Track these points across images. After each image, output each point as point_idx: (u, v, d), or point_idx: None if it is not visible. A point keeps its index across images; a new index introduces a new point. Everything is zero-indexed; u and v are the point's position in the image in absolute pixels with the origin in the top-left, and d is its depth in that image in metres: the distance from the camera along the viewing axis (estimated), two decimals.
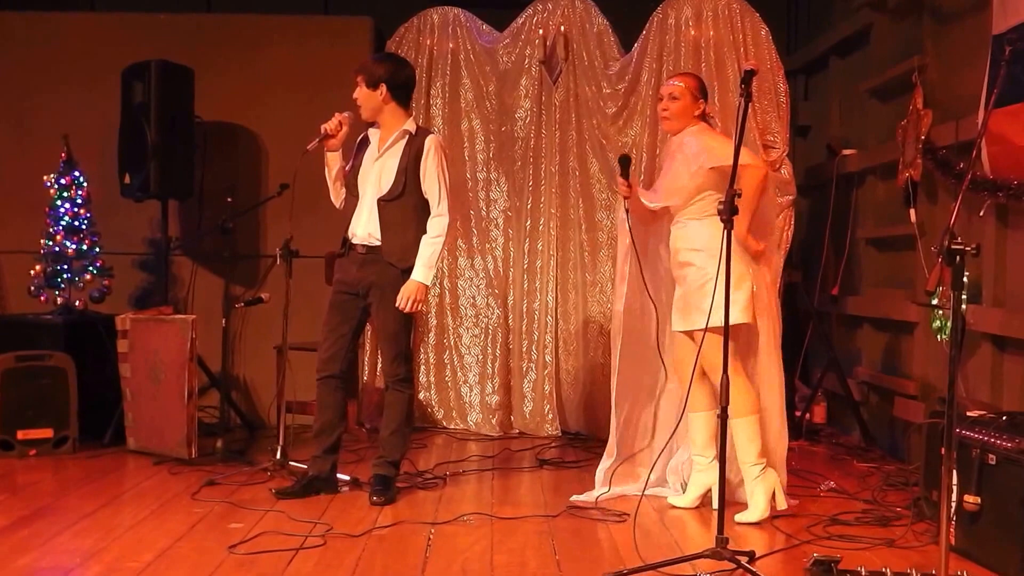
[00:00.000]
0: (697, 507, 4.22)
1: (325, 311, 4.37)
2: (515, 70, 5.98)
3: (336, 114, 4.30)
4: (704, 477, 4.21)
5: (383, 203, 4.25)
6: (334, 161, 4.35)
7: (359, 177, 4.34)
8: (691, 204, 4.11)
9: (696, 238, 4.07)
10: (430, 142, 4.29)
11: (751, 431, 4.03)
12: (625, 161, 4.17)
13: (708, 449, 4.18)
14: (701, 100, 4.20)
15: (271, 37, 6.10)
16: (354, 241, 4.31)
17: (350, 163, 4.40)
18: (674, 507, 4.24)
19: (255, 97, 6.07)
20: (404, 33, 6.05)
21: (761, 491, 4.03)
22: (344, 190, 4.39)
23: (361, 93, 4.29)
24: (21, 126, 6.02)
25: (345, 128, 4.30)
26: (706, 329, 3.78)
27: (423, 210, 4.27)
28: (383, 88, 4.26)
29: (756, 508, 4.02)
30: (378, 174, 4.29)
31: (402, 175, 4.24)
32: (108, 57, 5.84)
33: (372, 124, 4.42)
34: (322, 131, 4.27)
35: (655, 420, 4.53)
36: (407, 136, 4.30)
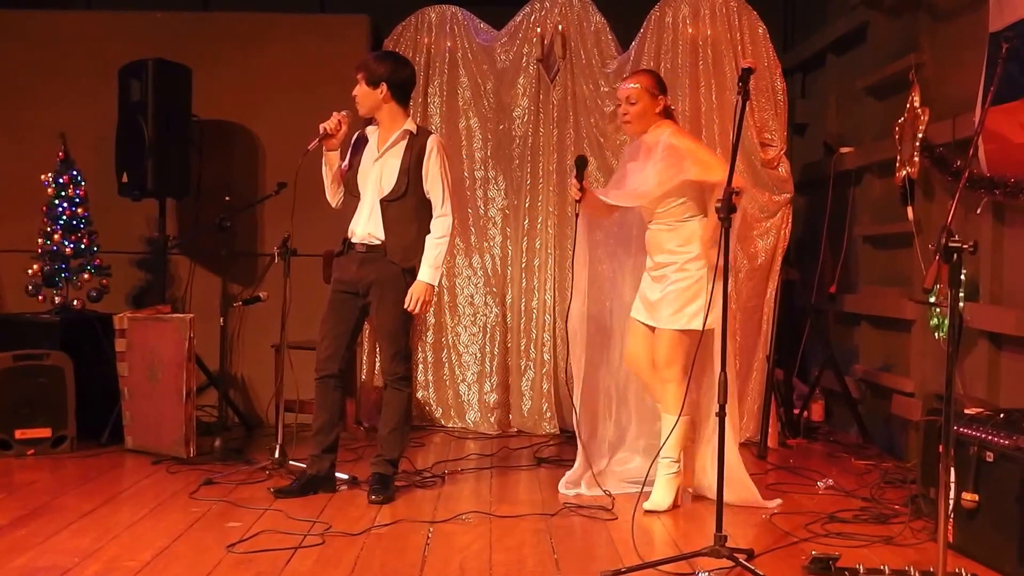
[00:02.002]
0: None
1: (323, 310, 4.37)
2: (513, 68, 5.98)
3: (335, 113, 4.29)
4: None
5: (385, 203, 4.24)
6: (334, 160, 4.34)
7: (359, 177, 4.33)
8: (663, 208, 4.14)
9: (668, 243, 4.15)
10: (432, 142, 4.29)
11: (679, 430, 4.09)
12: (582, 162, 4.24)
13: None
14: (660, 96, 4.19)
15: (268, 35, 6.10)
16: (354, 240, 4.31)
17: (346, 162, 4.39)
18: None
19: (252, 95, 6.07)
20: (402, 32, 6.05)
21: (671, 486, 4.13)
22: (342, 190, 4.39)
23: (360, 90, 4.29)
24: (18, 125, 6.02)
25: (344, 127, 4.30)
26: (701, 331, 3.85)
27: (424, 210, 4.27)
28: (384, 87, 4.25)
29: (664, 499, 4.12)
30: (379, 174, 4.28)
31: (404, 175, 4.24)
32: (105, 55, 5.84)
33: (369, 122, 4.41)
34: (322, 131, 4.27)
35: (626, 419, 4.61)
36: (408, 136, 4.29)
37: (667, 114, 4.24)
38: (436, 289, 4.43)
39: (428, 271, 4.22)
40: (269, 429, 5.44)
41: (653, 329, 4.19)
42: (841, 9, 6.31)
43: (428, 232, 4.26)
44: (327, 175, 4.36)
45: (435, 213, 4.27)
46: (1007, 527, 3.36)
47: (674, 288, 4.10)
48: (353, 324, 4.36)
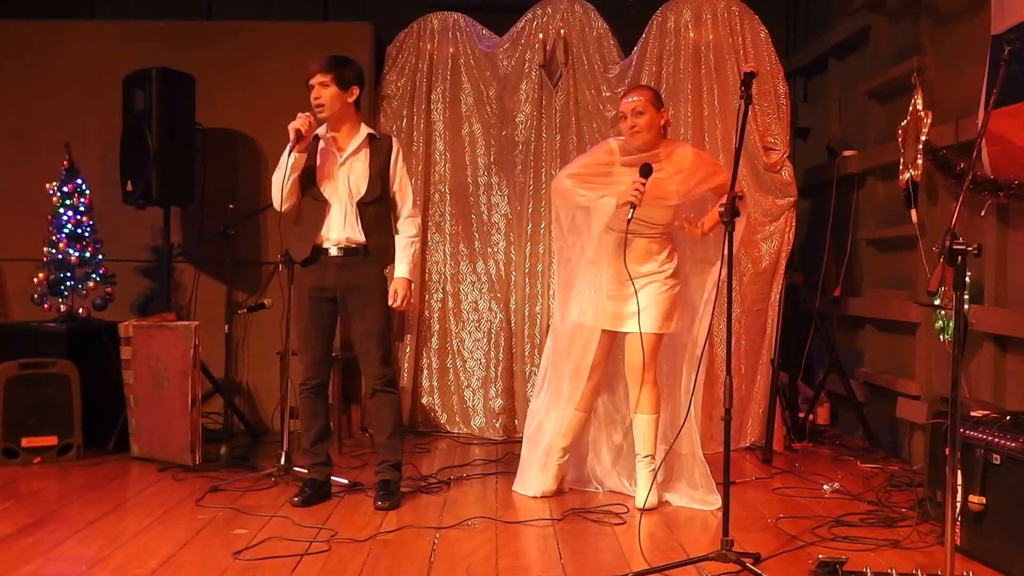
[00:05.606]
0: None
1: (301, 320, 4.32)
2: (515, 74, 5.99)
3: (300, 114, 4.22)
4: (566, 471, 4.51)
5: (363, 206, 4.25)
6: (302, 163, 4.25)
7: (323, 182, 4.27)
8: (666, 222, 4.32)
9: (657, 254, 4.31)
10: (397, 145, 4.38)
11: (655, 427, 4.31)
12: (647, 169, 4.11)
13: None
14: (663, 109, 4.34)
15: (271, 44, 6.11)
16: (326, 245, 4.26)
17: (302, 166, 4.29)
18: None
19: (256, 104, 6.07)
20: (404, 39, 6.06)
21: (651, 481, 4.24)
22: (296, 194, 4.27)
23: (329, 93, 4.22)
24: (23, 134, 6.02)
25: (314, 127, 4.27)
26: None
27: (392, 211, 4.36)
28: (355, 90, 4.27)
29: (652, 495, 4.21)
30: (346, 178, 4.26)
31: (377, 178, 4.27)
32: (109, 65, 5.85)
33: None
34: (295, 133, 4.18)
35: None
36: (370, 140, 4.31)
37: (666, 131, 4.35)
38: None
39: (405, 267, 4.28)
40: (274, 436, 5.45)
41: (614, 335, 4.33)
42: (843, 13, 6.32)
43: (396, 233, 4.32)
44: (290, 178, 4.21)
45: (404, 214, 4.33)
46: (1014, 530, 3.35)
47: (662, 297, 4.28)
48: (332, 331, 4.39)
